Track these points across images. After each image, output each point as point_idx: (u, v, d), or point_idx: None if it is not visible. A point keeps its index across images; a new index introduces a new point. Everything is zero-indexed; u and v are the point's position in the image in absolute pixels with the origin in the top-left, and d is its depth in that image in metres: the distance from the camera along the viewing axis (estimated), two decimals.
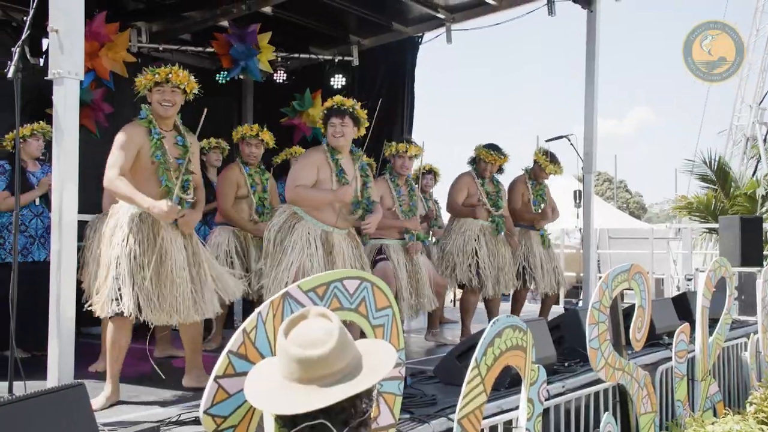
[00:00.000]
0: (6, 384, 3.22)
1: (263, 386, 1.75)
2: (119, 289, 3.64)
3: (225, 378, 1.86)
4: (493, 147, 6.25)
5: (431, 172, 7.55)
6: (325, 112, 4.58)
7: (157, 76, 3.92)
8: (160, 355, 4.99)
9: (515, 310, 6.58)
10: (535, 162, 6.67)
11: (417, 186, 6.26)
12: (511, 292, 6.55)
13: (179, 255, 3.86)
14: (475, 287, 6.02)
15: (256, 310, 1.96)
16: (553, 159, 6.65)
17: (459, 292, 7.36)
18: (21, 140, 5.31)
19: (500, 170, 6.39)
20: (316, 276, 2.17)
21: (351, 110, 4.55)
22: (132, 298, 3.63)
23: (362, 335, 2.38)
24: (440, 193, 9.50)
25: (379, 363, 1.79)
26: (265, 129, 5.77)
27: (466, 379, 2.72)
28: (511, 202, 6.58)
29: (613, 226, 13.60)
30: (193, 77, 4.07)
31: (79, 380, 2.45)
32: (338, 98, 4.61)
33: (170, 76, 3.91)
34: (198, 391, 3.88)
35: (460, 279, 6.03)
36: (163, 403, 3.77)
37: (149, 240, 3.76)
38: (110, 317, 3.71)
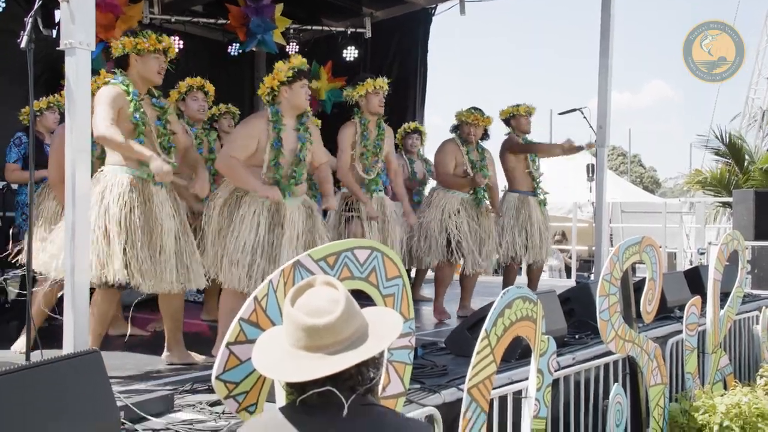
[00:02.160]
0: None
1: (271, 354, 1.77)
2: (112, 256, 3.62)
3: (236, 345, 1.89)
4: (474, 108, 5.96)
5: (417, 132, 7.26)
6: (294, 71, 4.20)
7: (162, 44, 3.94)
8: (115, 333, 4.77)
9: (508, 283, 6.31)
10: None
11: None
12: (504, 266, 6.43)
13: (169, 222, 3.84)
14: (452, 262, 5.80)
15: (267, 278, 1.99)
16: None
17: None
18: (38, 113, 5.34)
19: (485, 135, 6.05)
20: (326, 245, 2.19)
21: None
22: (122, 266, 3.61)
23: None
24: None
25: (386, 331, 1.81)
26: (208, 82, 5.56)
27: (476, 349, 2.75)
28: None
29: (627, 200, 13.53)
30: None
31: (93, 348, 2.50)
32: (302, 59, 4.31)
33: (164, 46, 3.96)
34: (182, 366, 3.95)
35: (436, 256, 5.74)
36: (171, 372, 3.83)
37: (140, 205, 3.74)
38: (98, 286, 3.70)
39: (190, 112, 5.43)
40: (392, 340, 1.81)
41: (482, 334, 2.76)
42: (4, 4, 6.59)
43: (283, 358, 1.75)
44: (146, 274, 3.70)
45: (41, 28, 3.46)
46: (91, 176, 3.34)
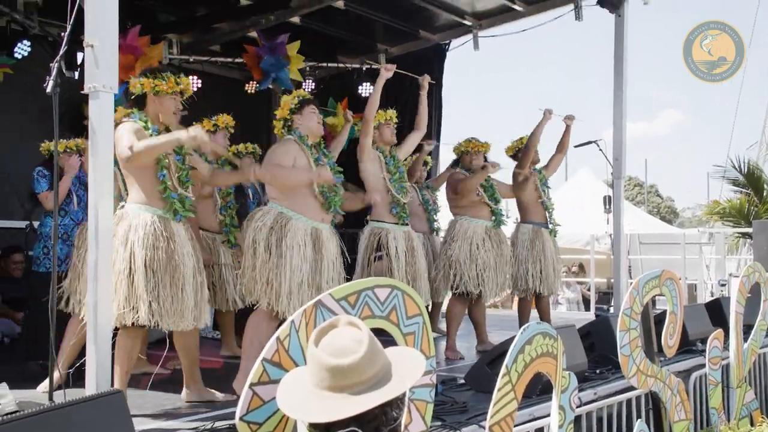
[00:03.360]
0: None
1: (295, 395, 1.78)
2: (137, 298, 3.66)
3: (260, 385, 1.90)
4: (471, 138, 6.13)
5: (425, 163, 7.33)
6: (301, 101, 4.54)
7: (179, 86, 4.04)
8: (135, 371, 4.80)
9: (523, 316, 6.41)
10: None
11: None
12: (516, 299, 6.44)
13: (189, 260, 3.90)
14: (476, 296, 5.80)
15: (289, 318, 2.00)
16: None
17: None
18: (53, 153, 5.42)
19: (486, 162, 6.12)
20: (347, 284, 2.20)
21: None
22: (147, 307, 3.66)
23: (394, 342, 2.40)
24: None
25: (409, 371, 1.81)
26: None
27: (497, 385, 2.74)
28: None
29: (644, 232, 13.46)
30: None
31: (117, 388, 2.51)
32: (303, 91, 4.71)
33: (182, 86, 4.08)
34: (201, 404, 3.96)
35: (468, 288, 5.73)
36: (187, 412, 3.83)
37: (163, 244, 3.78)
38: (124, 326, 3.73)
39: (216, 146, 5.55)
40: (416, 380, 1.82)
41: (503, 370, 2.75)
42: (29, 48, 6.74)
43: (307, 399, 1.75)
44: (169, 313, 3.73)
45: (64, 70, 3.54)
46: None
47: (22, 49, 6.70)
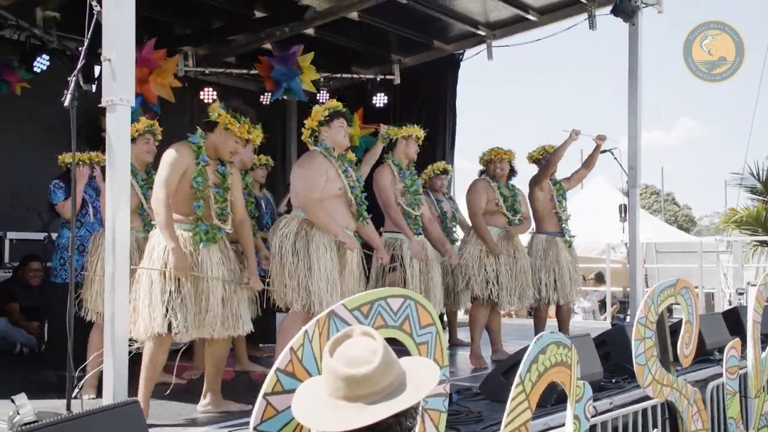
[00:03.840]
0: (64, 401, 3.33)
1: (310, 404, 1.80)
2: (166, 309, 3.73)
3: (273, 395, 1.92)
4: (496, 147, 6.17)
5: (445, 172, 7.32)
6: (330, 110, 4.61)
7: (250, 135, 4.14)
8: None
9: (538, 325, 6.39)
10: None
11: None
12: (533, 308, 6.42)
13: (217, 269, 3.94)
14: (490, 300, 5.80)
15: (303, 328, 2.02)
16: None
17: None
18: (70, 165, 5.48)
19: (512, 172, 6.21)
20: (360, 294, 2.22)
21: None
22: (175, 317, 3.72)
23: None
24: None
25: (423, 380, 1.82)
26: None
27: (511, 395, 2.73)
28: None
29: (661, 240, 13.39)
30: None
31: (133, 398, 2.54)
32: (336, 102, 4.73)
33: (251, 135, 4.17)
34: (218, 414, 3.98)
35: (476, 292, 5.78)
36: (204, 422, 3.86)
37: (187, 255, 3.84)
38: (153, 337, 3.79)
39: (244, 159, 5.56)
40: (430, 390, 1.83)
41: (516, 380, 2.75)
42: (48, 62, 6.83)
43: (322, 408, 1.77)
44: (190, 324, 3.78)
45: (81, 83, 3.59)
46: None
47: (41, 63, 6.80)
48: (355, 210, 4.59)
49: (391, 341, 2.24)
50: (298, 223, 4.42)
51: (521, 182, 6.43)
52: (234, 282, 4.00)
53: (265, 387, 1.91)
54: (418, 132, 5.58)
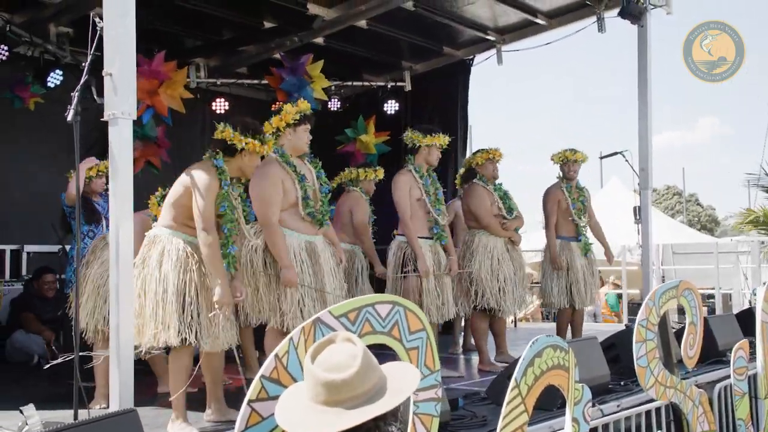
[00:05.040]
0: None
1: (293, 410, 1.83)
2: (189, 319, 3.79)
3: (258, 402, 1.95)
4: (481, 150, 6.14)
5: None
6: (302, 115, 4.44)
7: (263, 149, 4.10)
8: (163, 391, 4.92)
9: (560, 328, 6.44)
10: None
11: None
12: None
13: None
14: (498, 311, 5.79)
15: (288, 335, 2.06)
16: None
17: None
18: (87, 180, 5.58)
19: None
20: (347, 301, 2.25)
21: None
22: (177, 330, 3.77)
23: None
24: None
25: (403, 385, 1.86)
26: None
27: (506, 399, 2.75)
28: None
29: (679, 241, 13.27)
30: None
31: (131, 407, 2.59)
32: (306, 105, 4.53)
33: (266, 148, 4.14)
34: (223, 423, 4.02)
35: (491, 305, 5.73)
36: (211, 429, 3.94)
37: (196, 268, 3.89)
38: (173, 347, 3.86)
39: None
40: (409, 394, 1.86)
41: (512, 383, 2.77)
42: (62, 77, 6.95)
43: (304, 413, 1.81)
44: (205, 334, 3.85)
45: (95, 97, 3.67)
46: None
47: (55, 78, 6.92)
48: (311, 221, 4.41)
49: (381, 347, 2.27)
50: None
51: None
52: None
53: (250, 394, 1.95)
54: (443, 141, 5.55)
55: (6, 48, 6.58)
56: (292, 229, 4.31)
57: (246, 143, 3.99)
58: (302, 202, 4.33)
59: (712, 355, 5.47)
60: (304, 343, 2.05)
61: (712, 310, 10.54)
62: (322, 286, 4.29)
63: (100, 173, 5.48)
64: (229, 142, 3.99)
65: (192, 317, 3.82)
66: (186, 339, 3.80)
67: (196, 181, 3.88)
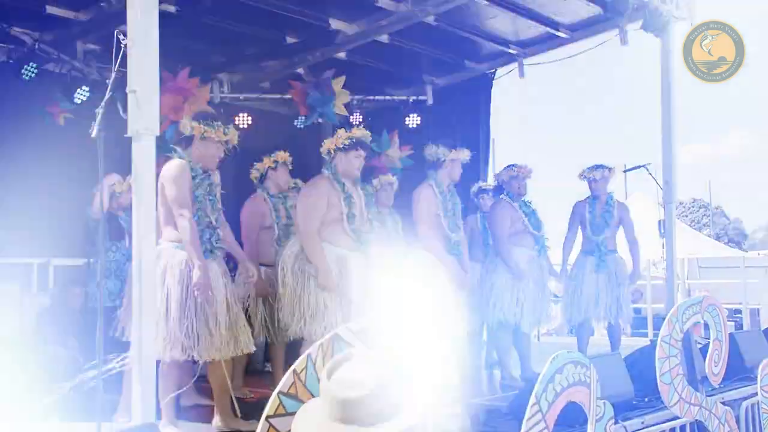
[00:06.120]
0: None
1: (309, 426, 1.84)
2: (188, 333, 3.85)
3: (276, 417, 1.96)
4: (511, 165, 6.12)
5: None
6: (352, 140, 4.60)
7: (227, 136, 4.23)
8: (186, 404, 4.92)
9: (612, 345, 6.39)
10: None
11: None
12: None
13: (220, 293, 4.07)
14: (516, 324, 5.77)
15: (306, 351, 2.06)
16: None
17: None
18: (116, 195, 5.66)
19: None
20: (366, 317, 2.25)
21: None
22: (181, 344, 3.84)
23: None
24: None
25: (421, 403, 1.85)
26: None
27: (526, 415, 2.74)
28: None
29: (706, 255, 13.10)
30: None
31: (152, 422, 2.61)
32: (364, 132, 4.72)
33: (228, 136, 4.26)
34: None
35: (507, 317, 5.74)
36: None
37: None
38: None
39: (279, 182, 5.69)
40: (427, 413, 1.85)
41: (532, 399, 2.75)
42: (89, 93, 7.04)
43: (319, 430, 1.81)
44: (204, 347, 3.89)
45: (122, 113, 3.71)
46: None
47: (82, 94, 7.00)
48: (355, 238, 4.54)
49: None
50: (301, 244, 4.48)
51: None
52: (236, 302, 4.15)
53: (268, 409, 1.96)
54: (465, 155, 5.56)
55: (35, 65, 6.69)
56: (328, 241, 4.43)
57: (192, 126, 4.12)
58: (348, 218, 4.46)
59: (739, 371, 5.37)
60: (322, 359, 2.06)
61: (739, 326, 10.38)
62: (349, 300, 4.35)
63: (127, 189, 5.55)
64: (180, 131, 4.18)
65: (193, 330, 3.88)
66: (188, 352, 3.86)
67: (163, 173, 4.01)
